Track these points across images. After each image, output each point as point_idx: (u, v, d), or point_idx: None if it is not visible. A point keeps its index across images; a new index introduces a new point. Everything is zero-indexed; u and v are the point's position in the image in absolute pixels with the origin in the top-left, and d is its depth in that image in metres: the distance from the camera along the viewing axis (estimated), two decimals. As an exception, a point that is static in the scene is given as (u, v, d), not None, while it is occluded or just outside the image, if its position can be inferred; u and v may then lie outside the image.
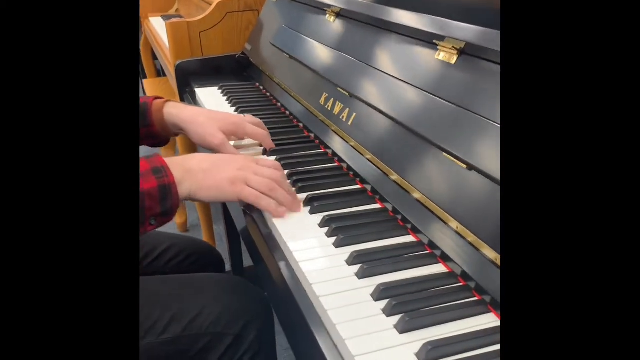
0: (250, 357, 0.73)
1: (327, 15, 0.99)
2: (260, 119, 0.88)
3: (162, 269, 0.92)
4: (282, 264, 0.58)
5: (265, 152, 0.85)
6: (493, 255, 0.50)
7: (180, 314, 0.71)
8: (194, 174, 0.65)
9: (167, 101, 0.85)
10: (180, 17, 2.34)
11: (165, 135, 0.87)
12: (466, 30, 0.62)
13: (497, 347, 0.45)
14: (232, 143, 0.83)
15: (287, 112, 1.01)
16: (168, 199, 0.62)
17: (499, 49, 0.56)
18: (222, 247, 1.62)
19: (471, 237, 0.53)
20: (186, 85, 1.29)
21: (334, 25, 0.96)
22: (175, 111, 0.84)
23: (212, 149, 0.82)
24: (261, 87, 1.18)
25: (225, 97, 1.13)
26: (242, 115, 0.87)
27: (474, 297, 0.51)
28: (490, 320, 0.48)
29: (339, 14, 0.96)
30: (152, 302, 0.71)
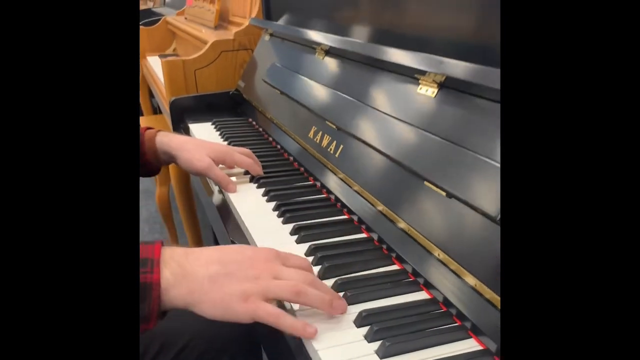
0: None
1: (317, 54, 1.02)
2: (249, 149, 0.91)
3: None
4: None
5: (252, 180, 0.86)
6: (474, 282, 0.51)
7: (169, 343, 0.71)
8: (196, 280, 0.50)
9: (158, 131, 0.88)
10: (177, 56, 2.40)
11: (156, 164, 0.89)
12: (446, 64, 0.64)
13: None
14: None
15: (279, 147, 1.03)
16: (145, 302, 0.48)
17: (477, 82, 0.59)
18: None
19: (453, 265, 0.54)
20: (180, 121, 1.31)
21: (323, 62, 0.99)
22: (166, 139, 0.87)
23: (199, 174, 0.84)
24: (253, 122, 1.21)
25: (218, 132, 1.16)
26: (226, 146, 0.90)
27: (455, 322, 0.51)
28: (471, 346, 0.48)
29: (327, 52, 0.99)
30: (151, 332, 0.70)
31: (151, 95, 2.67)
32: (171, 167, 1.62)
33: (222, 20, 1.84)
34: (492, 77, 0.56)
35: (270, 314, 0.49)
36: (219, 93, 1.37)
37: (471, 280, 0.51)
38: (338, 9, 1.04)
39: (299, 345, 0.50)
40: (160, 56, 2.39)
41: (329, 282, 0.57)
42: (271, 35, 1.29)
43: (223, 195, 0.85)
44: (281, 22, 1.28)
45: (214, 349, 0.72)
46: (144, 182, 2.74)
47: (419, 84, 0.70)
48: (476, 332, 0.49)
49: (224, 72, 1.50)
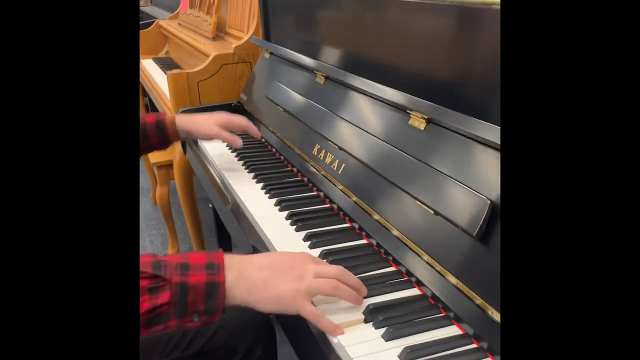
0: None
1: (317, 78, 1.16)
2: (257, 161, 1.16)
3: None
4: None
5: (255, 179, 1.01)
6: (455, 280, 0.66)
7: (201, 332, 0.85)
8: (253, 283, 0.62)
9: (173, 115, 1.13)
10: (170, 59, 2.50)
11: (175, 140, 1.16)
12: (428, 107, 0.79)
13: (458, 350, 0.60)
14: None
15: (282, 158, 1.17)
16: (214, 298, 0.60)
17: (454, 124, 0.74)
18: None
19: (438, 267, 0.69)
20: (187, 130, 1.44)
21: (323, 87, 1.13)
22: (183, 120, 1.14)
23: (212, 138, 1.13)
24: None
25: (226, 144, 1.29)
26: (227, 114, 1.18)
27: (441, 313, 0.66)
28: (453, 331, 0.63)
29: (327, 77, 1.13)
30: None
31: (144, 93, 2.76)
32: (175, 170, 1.75)
33: (219, 30, 1.95)
34: (467, 122, 0.71)
35: (313, 314, 0.62)
36: (223, 105, 1.49)
37: (453, 279, 0.66)
38: (335, 37, 1.17)
39: (321, 332, 0.65)
40: (154, 59, 2.49)
41: None
42: (271, 54, 1.42)
43: (238, 202, 0.99)
44: (281, 44, 1.41)
45: (239, 330, 0.87)
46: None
47: (410, 116, 0.84)
48: (457, 320, 0.64)
49: (225, 83, 1.63)
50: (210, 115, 1.17)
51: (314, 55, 1.22)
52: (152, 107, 2.80)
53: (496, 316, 0.60)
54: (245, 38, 1.63)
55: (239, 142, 1.14)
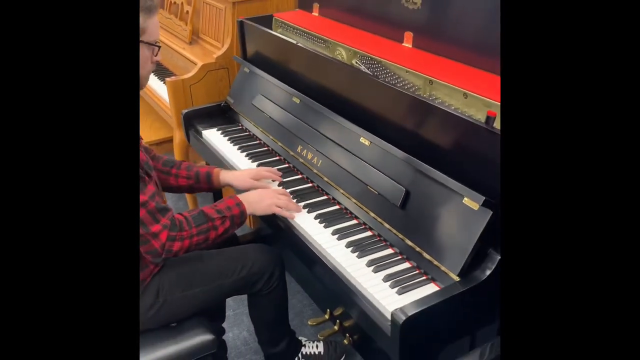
0: (277, 284, 1.52)
1: (293, 98, 1.75)
2: (249, 146, 1.68)
3: None
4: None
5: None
6: (445, 269, 1.32)
7: (245, 265, 1.47)
8: (252, 204, 1.42)
9: (219, 171, 1.60)
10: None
11: (216, 188, 1.65)
12: (371, 136, 1.43)
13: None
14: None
15: (269, 147, 1.78)
16: (244, 216, 1.39)
17: (386, 148, 1.38)
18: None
19: (426, 255, 1.35)
20: (191, 126, 1.98)
21: (298, 105, 1.72)
22: (223, 176, 1.59)
23: (248, 188, 1.57)
24: (245, 128, 1.92)
25: (227, 138, 1.86)
26: (256, 168, 1.66)
27: (424, 277, 1.29)
28: (433, 288, 1.25)
29: (301, 100, 1.72)
30: (233, 260, 1.46)
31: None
32: (175, 148, 2.28)
33: (194, 34, 2.44)
34: (389, 147, 1.35)
35: (279, 210, 1.44)
36: (214, 105, 2.03)
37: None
38: (305, 67, 1.75)
39: (342, 276, 1.30)
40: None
41: (362, 260, 1.37)
42: (251, 70, 1.97)
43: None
44: (255, 62, 1.97)
45: (266, 265, 1.50)
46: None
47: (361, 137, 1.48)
48: (435, 281, 1.27)
49: (210, 86, 2.16)
50: (243, 171, 1.61)
51: (283, 78, 1.79)
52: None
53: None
54: (223, 50, 2.16)
55: (276, 175, 1.62)
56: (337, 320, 1.85)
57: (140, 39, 1.22)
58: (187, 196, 2.47)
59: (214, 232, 1.33)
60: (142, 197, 1.19)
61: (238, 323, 2.02)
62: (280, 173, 1.63)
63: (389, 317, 1.10)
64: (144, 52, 1.25)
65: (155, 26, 1.27)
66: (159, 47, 1.30)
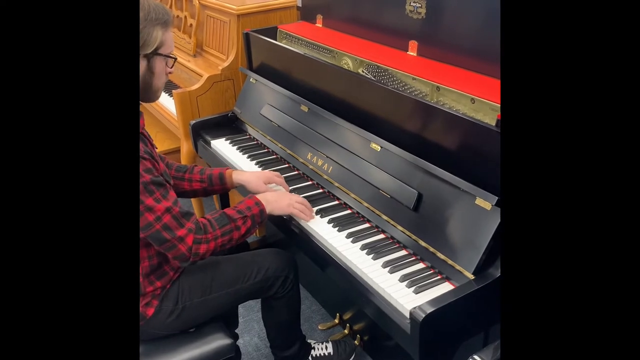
0: (291, 287, 1.55)
1: (302, 106, 1.79)
2: (258, 154, 1.71)
3: None
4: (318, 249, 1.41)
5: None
6: (459, 268, 1.36)
7: (260, 269, 1.50)
8: (271, 203, 1.45)
9: (231, 171, 1.63)
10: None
11: (229, 189, 1.67)
12: (382, 141, 1.48)
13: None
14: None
15: (277, 155, 1.81)
16: (263, 215, 1.42)
17: (396, 152, 1.42)
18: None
19: (441, 255, 1.39)
20: (199, 136, 2.02)
21: (306, 113, 1.77)
22: (237, 178, 1.61)
23: (259, 192, 1.60)
24: (252, 137, 1.96)
25: (235, 147, 1.90)
26: (268, 171, 1.69)
27: (439, 276, 1.33)
28: (448, 287, 1.30)
29: (309, 108, 1.77)
30: (249, 264, 1.49)
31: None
32: (182, 158, 2.32)
33: (198, 47, 2.48)
34: (402, 152, 1.40)
35: (296, 212, 1.47)
36: (221, 115, 2.07)
37: (456, 265, 1.37)
38: (309, 75, 1.80)
39: (358, 276, 1.34)
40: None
41: (378, 262, 1.41)
42: (257, 80, 2.02)
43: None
44: (260, 72, 2.01)
45: (281, 269, 1.53)
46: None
47: (371, 143, 1.52)
48: (450, 280, 1.31)
49: (215, 97, 2.21)
50: (255, 173, 1.63)
51: (290, 88, 1.84)
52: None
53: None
54: (228, 62, 2.20)
55: (285, 185, 1.64)
56: (347, 324, 1.88)
57: (158, 51, 1.26)
58: (193, 201, 2.50)
59: (237, 233, 1.36)
60: (166, 203, 1.23)
61: (249, 330, 2.04)
62: (288, 187, 1.66)
63: (408, 316, 1.14)
64: (161, 64, 1.29)
65: (170, 39, 1.31)
66: (175, 58, 1.34)
